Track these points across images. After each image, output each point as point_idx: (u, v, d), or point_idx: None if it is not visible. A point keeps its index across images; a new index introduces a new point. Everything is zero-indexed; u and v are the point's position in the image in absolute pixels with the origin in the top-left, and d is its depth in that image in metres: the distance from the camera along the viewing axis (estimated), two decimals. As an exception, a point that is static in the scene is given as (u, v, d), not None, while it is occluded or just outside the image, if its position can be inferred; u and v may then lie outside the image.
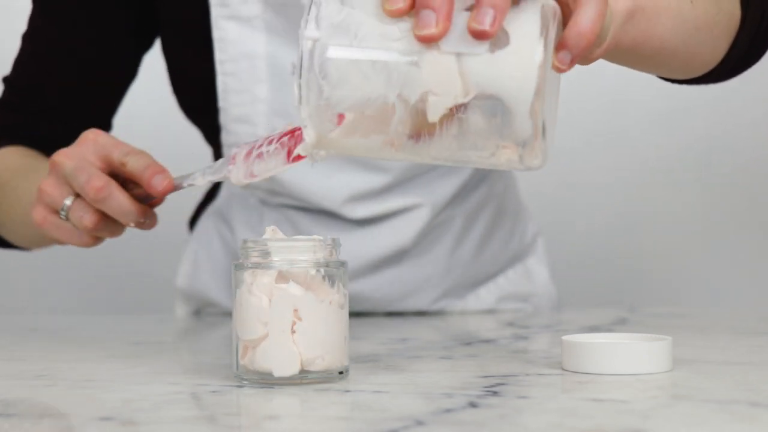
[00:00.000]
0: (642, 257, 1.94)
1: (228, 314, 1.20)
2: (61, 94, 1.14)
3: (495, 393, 0.65)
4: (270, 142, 0.74)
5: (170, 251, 1.57)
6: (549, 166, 0.70)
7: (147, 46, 1.18)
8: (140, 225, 0.85)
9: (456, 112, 0.63)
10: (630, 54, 0.75)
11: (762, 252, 1.92)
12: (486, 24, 0.61)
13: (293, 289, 0.69)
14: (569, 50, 0.64)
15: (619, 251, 1.92)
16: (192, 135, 1.26)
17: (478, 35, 0.61)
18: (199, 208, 1.30)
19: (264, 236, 0.72)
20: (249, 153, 0.75)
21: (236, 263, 0.71)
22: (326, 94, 0.63)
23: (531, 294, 1.28)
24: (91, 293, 1.88)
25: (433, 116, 0.63)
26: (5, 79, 1.16)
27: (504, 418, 0.58)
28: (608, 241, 1.93)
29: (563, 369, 0.74)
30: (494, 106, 0.62)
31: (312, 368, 0.69)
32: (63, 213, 0.85)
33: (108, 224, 0.85)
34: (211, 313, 1.25)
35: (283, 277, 0.69)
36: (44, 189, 0.86)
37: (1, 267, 1.88)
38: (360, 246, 1.16)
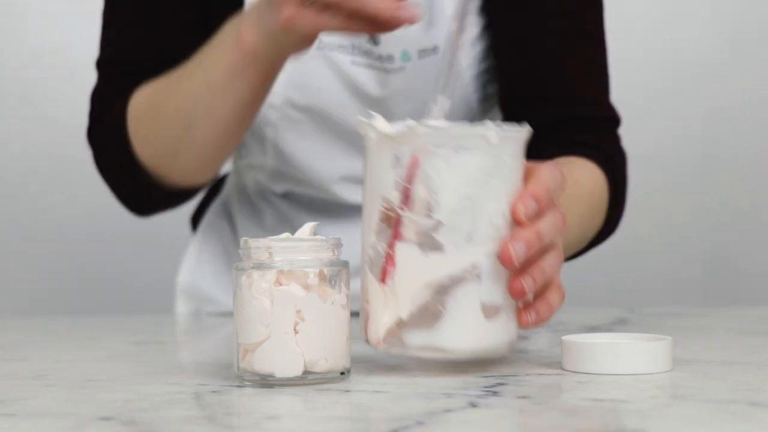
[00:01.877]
0: (642, 257, 1.94)
1: (228, 314, 1.20)
2: (165, 44, 1.10)
3: (495, 393, 0.65)
4: None
5: (170, 251, 1.57)
6: (549, 166, 0.71)
7: None
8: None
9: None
10: None
11: (762, 251, 1.92)
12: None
13: (295, 289, 0.69)
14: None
15: (619, 251, 1.91)
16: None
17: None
18: (203, 203, 1.30)
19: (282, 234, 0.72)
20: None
21: (237, 264, 0.71)
22: None
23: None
24: (91, 293, 1.88)
25: None
26: (100, 61, 1.13)
27: (504, 418, 0.58)
28: (608, 242, 1.93)
29: (563, 369, 0.74)
30: None
31: (315, 369, 0.69)
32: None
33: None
34: (211, 313, 1.25)
35: (284, 277, 0.69)
36: None
37: (1, 267, 1.89)
38: (358, 245, 1.16)
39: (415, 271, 0.70)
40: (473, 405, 0.61)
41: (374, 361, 0.80)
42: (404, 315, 0.70)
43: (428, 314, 0.70)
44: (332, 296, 0.70)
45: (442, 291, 0.70)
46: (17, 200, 1.88)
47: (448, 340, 0.70)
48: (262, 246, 0.70)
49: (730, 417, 0.58)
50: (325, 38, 1.11)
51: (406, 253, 0.70)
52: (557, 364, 0.75)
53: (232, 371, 0.72)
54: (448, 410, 0.60)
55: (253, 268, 0.69)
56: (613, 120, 1.14)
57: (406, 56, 1.11)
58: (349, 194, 1.17)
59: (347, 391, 0.67)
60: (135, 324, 1.18)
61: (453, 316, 0.70)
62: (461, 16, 0.80)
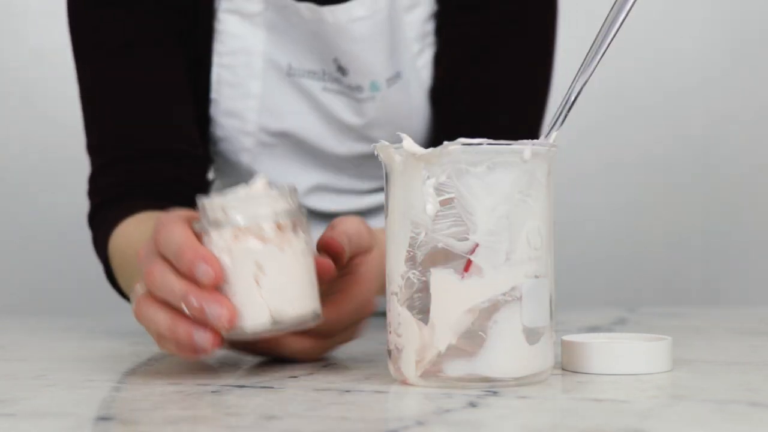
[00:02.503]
0: (642, 257, 1.94)
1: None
2: (154, 125, 1.09)
3: (495, 393, 0.65)
4: None
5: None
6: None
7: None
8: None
9: None
10: None
11: (762, 251, 1.92)
12: None
13: (252, 243, 0.69)
14: None
15: (619, 251, 1.92)
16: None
17: None
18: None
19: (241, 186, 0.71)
20: None
21: (194, 224, 0.70)
22: None
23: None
24: (91, 293, 1.88)
25: None
26: (90, 147, 1.10)
27: (504, 418, 0.58)
28: (608, 241, 1.93)
29: (563, 369, 0.74)
30: None
31: (283, 318, 0.69)
32: None
33: None
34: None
35: (241, 233, 0.69)
36: None
37: (1, 267, 1.89)
38: None
39: (453, 297, 0.66)
40: (473, 405, 0.61)
41: (374, 361, 0.80)
42: (443, 347, 0.66)
43: (468, 342, 0.66)
44: (291, 245, 0.70)
45: (483, 316, 0.66)
46: (17, 200, 1.88)
47: (490, 368, 0.66)
48: (216, 205, 0.70)
49: (730, 417, 0.58)
50: (295, 64, 1.11)
51: (441, 279, 0.66)
52: (557, 364, 0.75)
53: (232, 371, 0.72)
54: (448, 410, 0.60)
55: (210, 227, 0.69)
56: None
57: (374, 86, 1.11)
58: (319, 203, 1.18)
59: (347, 391, 0.67)
60: (135, 324, 1.18)
61: (495, 342, 0.66)
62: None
